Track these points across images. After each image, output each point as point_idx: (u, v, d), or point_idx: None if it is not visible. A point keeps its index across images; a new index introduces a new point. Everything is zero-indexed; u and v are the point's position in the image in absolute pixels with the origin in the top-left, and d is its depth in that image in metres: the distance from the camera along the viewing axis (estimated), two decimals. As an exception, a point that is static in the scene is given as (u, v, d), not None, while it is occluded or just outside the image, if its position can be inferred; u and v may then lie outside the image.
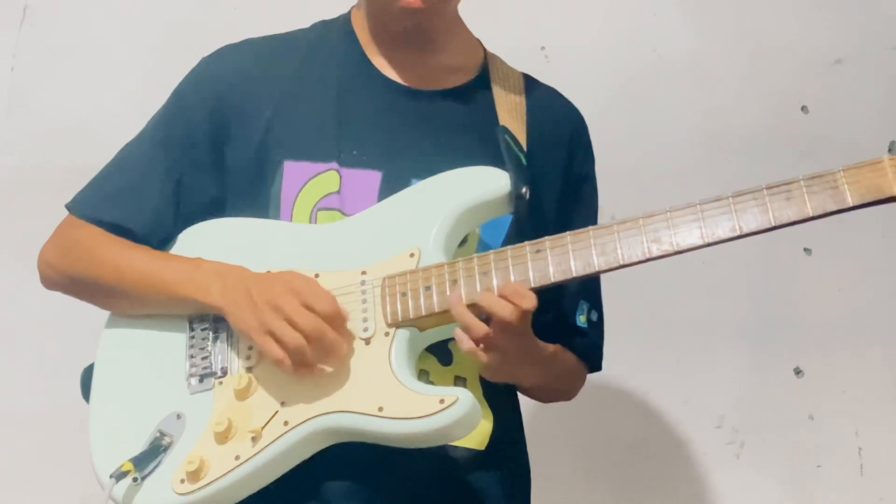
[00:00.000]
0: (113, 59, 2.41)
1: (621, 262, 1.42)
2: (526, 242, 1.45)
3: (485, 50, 1.74)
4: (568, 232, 1.44)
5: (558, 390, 1.71)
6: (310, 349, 1.40)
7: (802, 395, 2.61)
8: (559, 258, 1.43)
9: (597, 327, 1.69)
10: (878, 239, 2.62)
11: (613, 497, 2.52)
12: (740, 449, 2.58)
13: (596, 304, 1.69)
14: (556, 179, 1.67)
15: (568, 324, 1.64)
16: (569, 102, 1.76)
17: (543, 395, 1.70)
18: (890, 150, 2.67)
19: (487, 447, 1.54)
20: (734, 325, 2.61)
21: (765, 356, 2.61)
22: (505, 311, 1.38)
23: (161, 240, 1.62)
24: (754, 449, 2.58)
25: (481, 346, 1.41)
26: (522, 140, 1.62)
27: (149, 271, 1.56)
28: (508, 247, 1.45)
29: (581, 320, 1.65)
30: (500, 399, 1.60)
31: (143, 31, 2.42)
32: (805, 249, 2.59)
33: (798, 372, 2.61)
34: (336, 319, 1.43)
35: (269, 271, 1.51)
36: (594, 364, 1.71)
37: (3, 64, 2.41)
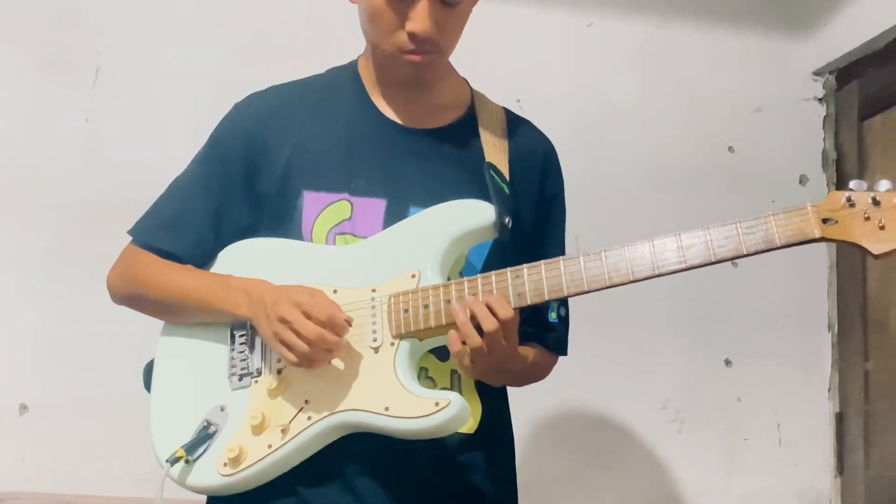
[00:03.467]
0: (169, 111, 2.41)
1: (585, 289, 1.39)
2: (507, 269, 1.41)
3: (471, 88, 1.68)
4: (542, 261, 1.41)
5: (526, 381, 1.64)
6: (314, 351, 1.39)
7: (731, 381, 2.63)
8: (535, 282, 1.40)
9: (565, 321, 1.64)
10: (795, 254, 2.61)
11: (578, 465, 2.52)
12: (681, 425, 2.59)
13: (564, 302, 1.64)
14: (533, 198, 1.61)
15: (541, 319, 1.59)
16: (541, 133, 1.69)
17: (514, 385, 1.65)
18: (801, 182, 2.68)
19: (476, 430, 1.50)
20: (676, 325, 2.62)
21: (701, 350, 2.63)
22: (488, 322, 1.36)
23: (204, 260, 1.58)
24: (693, 425, 2.59)
25: (468, 352, 1.38)
26: (505, 169, 1.57)
27: (189, 290, 1.53)
28: (493, 272, 1.42)
29: (552, 317, 1.60)
30: (490, 387, 1.56)
31: (193, 89, 2.42)
32: (732, 262, 2.57)
33: (728, 363, 2.63)
34: (333, 324, 1.39)
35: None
36: (563, 352, 1.67)
37: (80, 116, 2.40)
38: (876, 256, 1.30)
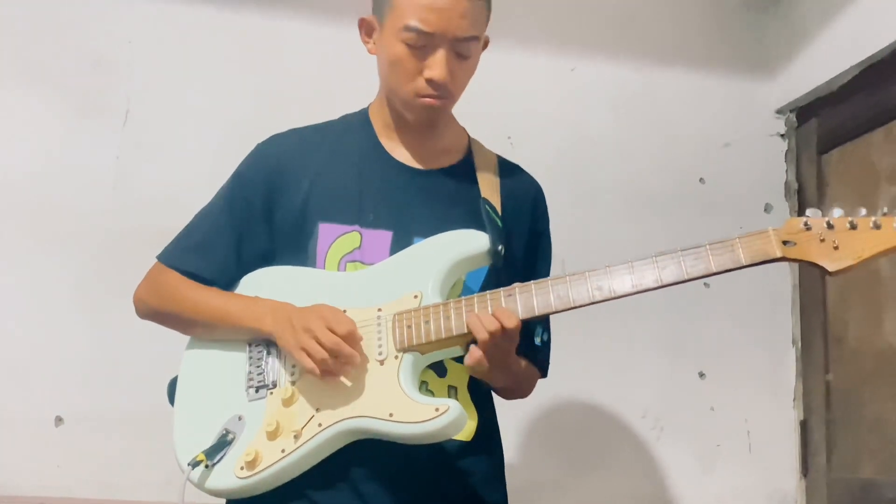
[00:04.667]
0: (192, 150, 2.42)
1: (572, 305, 1.41)
2: (500, 289, 1.43)
3: (468, 136, 1.72)
4: (532, 281, 1.43)
5: (518, 391, 1.66)
6: (332, 360, 1.40)
7: (705, 392, 2.62)
8: (525, 301, 1.41)
9: (547, 345, 1.67)
10: (761, 277, 2.62)
11: (567, 469, 2.51)
12: (660, 433, 2.58)
13: (547, 328, 1.67)
14: (523, 235, 1.64)
15: (529, 342, 1.60)
16: (530, 176, 1.73)
17: (508, 394, 1.65)
18: (765, 210, 2.69)
19: (472, 438, 1.51)
20: (654, 341, 2.61)
21: (677, 364, 2.62)
22: (493, 325, 1.38)
23: (227, 282, 1.59)
24: (670, 433, 2.58)
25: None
26: (498, 206, 1.60)
27: (219, 306, 1.54)
28: (487, 291, 1.44)
29: (538, 340, 1.62)
30: (483, 401, 1.58)
31: (214, 129, 2.43)
32: (705, 284, 2.59)
33: (702, 375, 2.62)
34: (351, 338, 1.42)
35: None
36: (545, 374, 1.69)
37: (111, 153, 2.40)
38: (831, 273, 1.33)
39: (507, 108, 2.60)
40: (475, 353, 1.40)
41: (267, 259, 1.60)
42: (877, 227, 1.32)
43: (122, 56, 2.43)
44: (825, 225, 1.34)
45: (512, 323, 1.39)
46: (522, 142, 2.50)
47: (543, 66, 2.67)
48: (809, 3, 2.64)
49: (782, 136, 2.77)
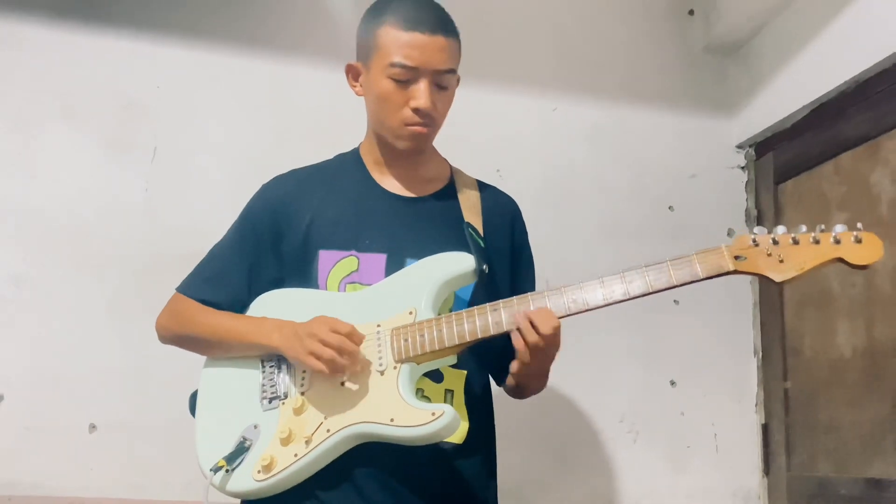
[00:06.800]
0: (214, 183, 2.42)
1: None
2: (486, 304, 1.45)
3: (450, 165, 1.73)
4: (514, 296, 1.45)
5: (540, 386, 1.66)
6: (339, 357, 1.41)
7: (676, 399, 2.62)
8: (508, 314, 1.44)
9: None
10: (725, 294, 2.64)
11: (553, 469, 2.51)
12: (636, 436, 2.57)
13: None
14: (505, 251, 1.65)
15: None
16: (507, 196, 1.74)
17: (533, 388, 1.65)
18: (728, 235, 2.70)
19: (465, 441, 1.51)
20: (630, 353, 2.61)
21: (650, 373, 2.62)
22: (546, 326, 1.40)
23: (240, 309, 1.61)
24: (645, 436, 2.58)
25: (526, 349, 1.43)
26: (480, 227, 1.62)
27: (231, 327, 1.56)
28: (475, 307, 1.46)
29: None
30: (478, 405, 1.58)
31: (234, 164, 2.44)
32: (674, 301, 2.60)
33: (673, 383, 2.62)
34: (353, 336, 1.43)
35: None
36: None
37: (141, 186, 2.40)
38: (777, 283, 1.36)
39: (497, 143, 2.61)
40: (520, 345, 1.42)
41: (276, 285, 1.62)
42: (816, 242, 1.35)
43: (151, 99, 2.44)
44: (771, 241, 1.37)
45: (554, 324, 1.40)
46: (510, 174, 2.51)
47: (528, 106, 2.68)
48: (767, 49, 2.67)
49: (742, 168, 2.78)
